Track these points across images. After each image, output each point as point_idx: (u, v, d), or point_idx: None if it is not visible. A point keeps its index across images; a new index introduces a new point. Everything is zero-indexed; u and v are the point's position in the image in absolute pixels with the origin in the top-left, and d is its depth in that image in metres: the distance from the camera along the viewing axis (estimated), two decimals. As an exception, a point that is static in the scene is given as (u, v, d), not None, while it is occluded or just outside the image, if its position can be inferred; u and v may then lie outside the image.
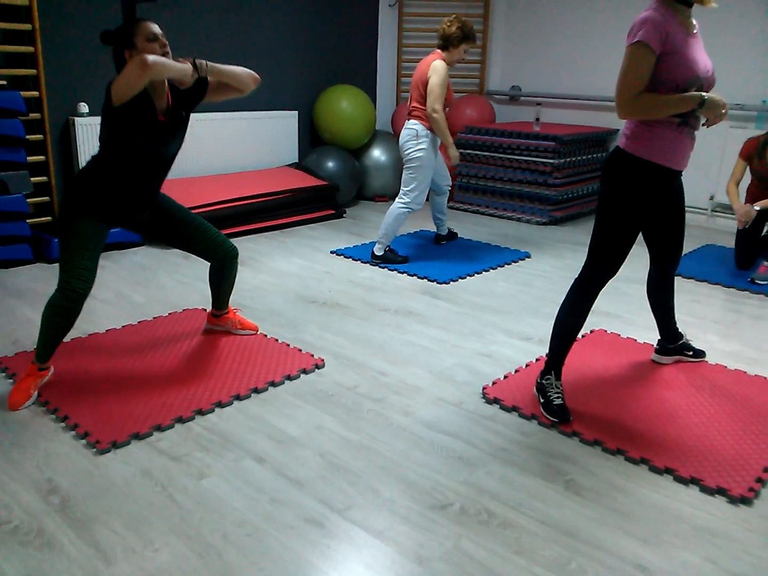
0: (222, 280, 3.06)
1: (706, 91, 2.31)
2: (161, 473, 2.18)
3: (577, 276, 2.57)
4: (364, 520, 1.98)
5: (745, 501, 2.10)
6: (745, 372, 2.96)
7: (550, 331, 2.62)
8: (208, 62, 2.58)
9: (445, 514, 2.02)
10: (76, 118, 4.54)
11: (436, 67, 4.10)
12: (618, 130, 6.03)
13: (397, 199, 4.34)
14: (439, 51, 4.21)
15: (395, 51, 6.60)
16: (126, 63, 2.46)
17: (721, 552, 1.89)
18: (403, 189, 4.31)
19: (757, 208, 4.13)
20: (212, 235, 2.93)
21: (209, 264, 3.04)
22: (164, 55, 2.48)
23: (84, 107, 4.59)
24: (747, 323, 3.56)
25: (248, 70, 2.71)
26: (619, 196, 2.41)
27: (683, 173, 2.55)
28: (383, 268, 4.31)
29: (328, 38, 6.10)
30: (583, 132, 5.69)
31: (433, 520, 1.98)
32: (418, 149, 4.21)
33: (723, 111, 2.31)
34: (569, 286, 2.59)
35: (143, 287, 3.84)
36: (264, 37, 5.63)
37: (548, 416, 2.49)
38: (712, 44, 5.40)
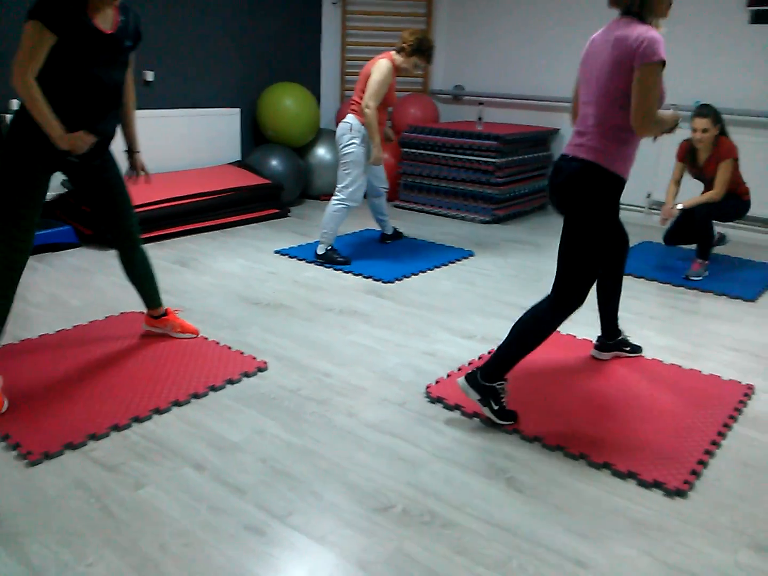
0: (134, 274, 2.95)
1: None
2: (96, 484, 2.11)
3: (552, 295, 2.48)
4: (305, 526, 1.95)
5: (680, 493, 2.16)
6: (680, 366, 3.05)
7: (506, 335, 2.50)
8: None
9: (388, 516, 2.01)
10: (7, 116, 4.36)
11: (379, 65, 4.10)
12: (559, 129, 6.15)
13: (333, 197, 4.31)
14: (392, 53, 4.21)
15: (339, 49, 6.57)
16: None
17: (656, 544, 1.94)
18: (338, 185, 4.29)
19: (680, 207, 4.26)
20: (126, 219, 2.84)
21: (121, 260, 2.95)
22: None
23: (16, 104, 4.41)
24: (682, 318, 3.67)
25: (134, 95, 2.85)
26: (596, 212, 2.39)
27: None
28: (328, 267, 4.29)
29: (271, 35, 6.03)
30: (525, 131, 5.77)
31: (376, 523, 1.98)
32: (351, 143, 4.18)
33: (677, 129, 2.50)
34: (536, 302, 2.52)
35: (79, 290, 3.72)
36: (204, 32, 5.52)
37: (502, 421, 2.48)
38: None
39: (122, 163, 2.88)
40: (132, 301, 3.56)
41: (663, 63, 2.23)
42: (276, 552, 1.85)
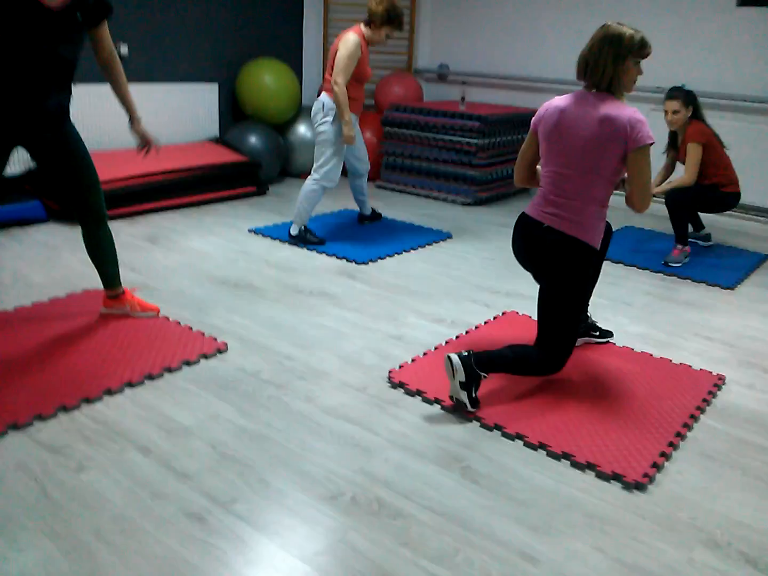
0: (95, 251, 2.88)
1: None
2: (38, 466, 2.04)
3: (539, 350, 2.53)
4: (249, 514, 1.89)
5: (639, 487, 2.10)
6: (651, 354, 2.99)
7: (507, 345, 2.51)
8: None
9: (336, 505, 1.95)
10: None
11: (347, 41, 3.95)
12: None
13: (309, 176, 4.21)
14: (360, 25, 4.07)
15: (321, 23, 6.42)
16: None
17: (609, 540, 1.88)
18: (314, 165, 4.18)
19: (655, 190, 4.20)
20: (91, 194, 2.76)
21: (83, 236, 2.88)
22: None
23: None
24: (657, 305, 3.60)
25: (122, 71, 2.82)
26: (576, 282, 2.47)
27: None
28: (302, 248, 4.20)
29: (250, 7, 5.87)
30: (509, 112, 5.66)
31: (322, 512, 1.91)
32: (324, 122, 4.07)
33: None
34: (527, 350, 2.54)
35: (44, 267, 3.63)
36: (181, 3, 5.36)
37: (473, 409, 2.42)
38: (640, 24, 5.45)
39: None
40: (97, 279, 3.47)
41: (652, 144, 2.33)
42: (214, 540, 1.79)
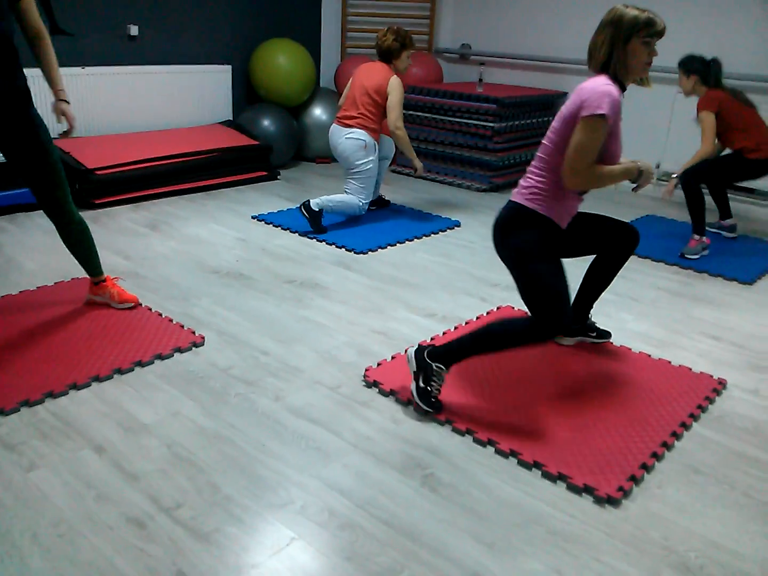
0: (69, 244, 2.82)
1: None
2: (-11, 463, 2.01)
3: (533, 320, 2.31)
4: (191, 521, 1.82)
5: (611, 501, 1.97)
6: (649, 355, 2.82)
7: (469, 328, 2.44)
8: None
9: (284, 513, 1.87)
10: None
11: (394, 85, 4.09)
12: (567, 93, 5.80)
13: (353, 194, 4.22)
14: (385, 64, 4.17)
15: (340, 4, 6.27)
16: None
17: (570, 560, 1.76)
18: (354, 194, 4.23)
19: (674, 176, 3.95)
20: (56, 188, 2.65)
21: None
22: None
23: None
24: (665, 301, 3.41)
25: (52, 48, 2.65)
26: (529, 244, 2.31)
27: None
28: (301, 235, 4.11)
29: (267, -12, 5.77)
30: (528, 94, 5.44)
31: (268, 521, 1.84)
32: (369, 161, 4.17)
33: (653, 177, 2.40)
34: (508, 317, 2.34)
35: (40, 253, 3.62)
36: (194, -15, 5.30)
37: (423, 405, 2.32)
38: (659, 8, 5.16)
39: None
40: (89, 266, 3.45)
41: (606, 118, 2.16)
42: (150, 548, 1.72)
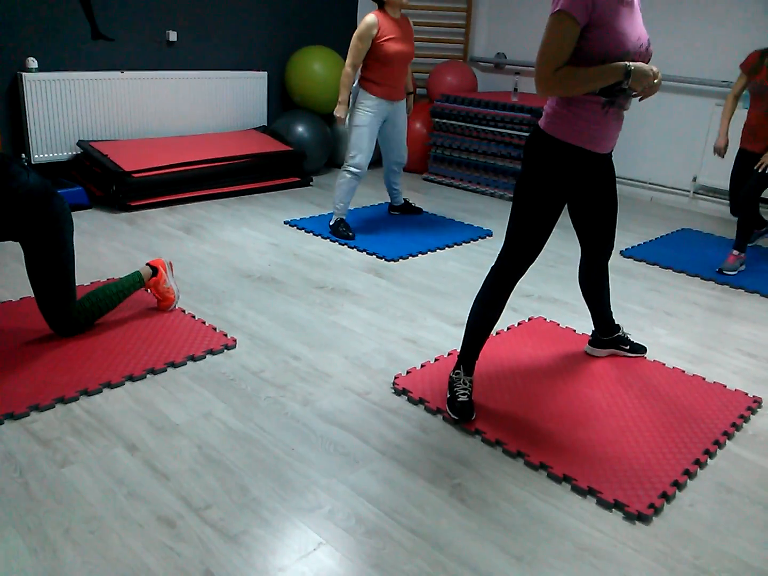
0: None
1: None
2: (24, 457, 2.05)
3: (493, 264, 2.39)
4: (220, 521, 1.84)
5: (642, 518, 1.94)
6: (684, 371, 2.78)
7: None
8: None
9: (311, 518, 1.87)
10: (24, 74, 4.35)
11: (361, 24, 3.95)
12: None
13: (342, 169, 4.19)
14: (376, 10, 4.06)
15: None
16: None
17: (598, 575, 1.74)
18: (347, 157, 4.16)
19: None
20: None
21: None
22: None
23: (33, 62, 4.39)
24: (700, 317, 3.36)
25: None
26: (535, 179, 2.22)
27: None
28: (333, 241, 4.13)
29: (305, -4, 5.83)
30: (564, 105, 5.41)
31: (295, 525, 1.84)
32: (358, 111, 4.08)
33: (655, 81, 2.09)
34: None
35: (77, 254, 3.68)
36: (233, -8, 5.38)
37: (450, 413, 2.32)
38: (700, 18, 5.10)
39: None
40: (125, 268, 3.51)
41: (567, 14, 1.99)
42: (179, 547, 1.74)
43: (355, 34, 3.95)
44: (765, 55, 3.91)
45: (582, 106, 2.15)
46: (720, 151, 4.16)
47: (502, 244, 2.36)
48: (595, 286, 2.66)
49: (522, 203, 2.26)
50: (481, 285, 2.42)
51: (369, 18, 3.95)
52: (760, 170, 3.80)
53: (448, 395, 2.37)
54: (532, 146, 2.23)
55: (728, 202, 4.48)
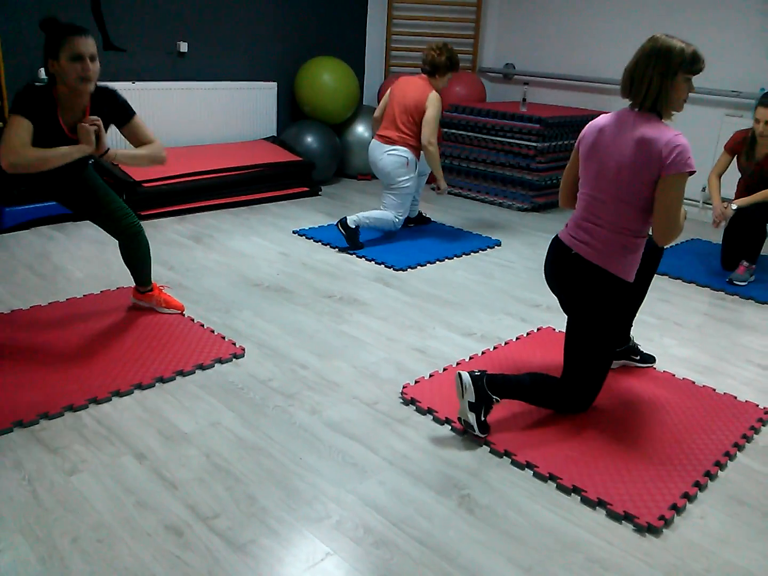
0: (129, 258, 2.98)
1: None
2: (33, 465, 2.05)
3: (566, 386, 2.37)
4: (228, 531, 1.84)
5: (652, 530, 1.92)
6: (693, 382, 2.76)
7: (524, 373, 2.35)
8: (119, 152, 2.66)
9: (319, 527, 1.87)
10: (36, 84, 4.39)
11: (432, 100, 4.12)
12: (613, 114, 5.76)
13: (390, 210, 4.25)
14: (426, 77, 4.23)
15: (385, 23, 6.34)
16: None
17: (608, 588, 1.72)
18: (392, 210, 4.25)
19: (734, 206, 3.87)
20: (113, 209, 2.87)
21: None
22: (83, 79, 2.48)
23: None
24: (711, 327, 3.34)
25: (157, 149, 2.79)
26: (602, 316, 2.31)
27: None
28: (342, 251, 4.14)
29: (313, 5, 5.86)
30: (572, 114, 5.42)
31: (303, 534, 1.84)
32: (409, 178, 4.22)
33: None
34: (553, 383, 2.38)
35: (87, 263, 3.72)
36: (241, 2, 5.40)
37: (481, 433, 2.27)
38: (711, 28, 5.10)
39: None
40: (134, 276, 3.53)
41: (692, 173, 2.14)
42: (187, 556, 1.74)
43: (435, 114, 4.10)
44: (753, 143, 3.90)
45: (642, 245, 2.31)
46: (722, 218, 3.93)
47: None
48: (636, 294, 2.67)
49: (594, 340, 2.33)
50: (554, 385, 2.39)
51: (436, 96, 4.15)
52: (735, 206, 3.87)
53: (483, 419, 2.27)
54: (595, 288, 2.29)
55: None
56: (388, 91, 4.34)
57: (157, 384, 2.53)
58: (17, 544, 1.76)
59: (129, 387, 2.47)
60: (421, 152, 4.30)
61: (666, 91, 2.17)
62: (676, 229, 2.20)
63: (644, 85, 2.18)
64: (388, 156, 4.17)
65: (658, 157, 2.12)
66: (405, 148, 4.16)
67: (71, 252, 3.86)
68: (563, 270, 2.36)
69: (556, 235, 2.43)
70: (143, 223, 4.42)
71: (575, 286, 2.33)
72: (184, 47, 5.09)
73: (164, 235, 4.24)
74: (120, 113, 2.71)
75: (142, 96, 4.89)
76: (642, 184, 2.17)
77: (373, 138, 4.35)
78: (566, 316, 2.44)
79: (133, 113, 2.74)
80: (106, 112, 2.66)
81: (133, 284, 3.11)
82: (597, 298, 2.29)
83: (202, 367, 2.66)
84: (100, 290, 3.34)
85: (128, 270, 3.02)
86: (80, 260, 3.74)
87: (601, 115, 2.37)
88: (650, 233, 2.29)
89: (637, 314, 2.79)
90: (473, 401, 2.25)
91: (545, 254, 2.49)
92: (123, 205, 2.91)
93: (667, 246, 2.26)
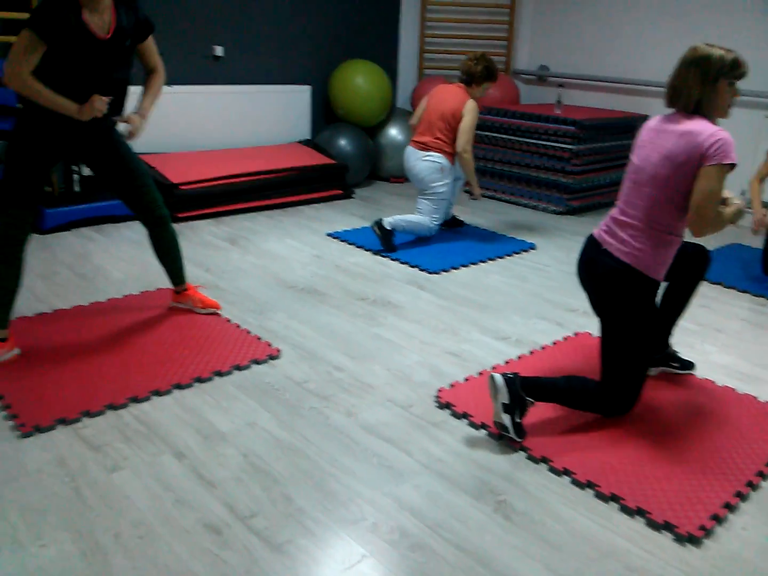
0: (158, 250, 2.99)
1: None
2: (76, 462, 2.10)
3: (605, 389, 2.35)
4: (265, 530, 1.85)
5: (692, 541, 1.89)
6: (734, 389, 2.71)
7: (561, 375, 2.33)
8: (142, 109, 2.72)
9: (355, 529, 1.87)
10: None
11: (469, 109, 4.14)
12: (647, 116, 5.68)
13: (425, 215, 4.25)
14: (463, 86, 4.24)
15: (418, 25, 6.34)
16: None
17: (648, 597, 1.70)
18: (427, 215, 4.25)
19: None
20: (145, 194, 2.85)
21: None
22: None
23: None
24: (751, 334, 3.27)
25: (162, 81, 2.82)
26: (633, 315, 2.28)
27: None
28: (375, 254, 4.15)
29: (347, 9, 5.89)
30: (608, 117, 5.36)
31: (339, 536, 1.85)
32: (444, 183, 4.22)
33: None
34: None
35: (126, 263, 3.78)
36: (277, 7, 5.46)
37: (516, 437, 2.26)
38: (751, 26, 5.01)
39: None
40: (171, 277, 3.58)
41: (733, 167, 2.13)
42: (225, 555, 1.76)
43: (472, 123, 4.11)
44: None
45: (677, 242, 2.30)
46: (762, 225, 3.77)
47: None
48: (675, 306, 2.65)
49: (626, 340, 2.30)
50: (590, 383, 2.36)
51: (474, 105, 4.14)
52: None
53: (517, 420, 2.26)
54: (625, 286, 2.26)
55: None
56: (425, 98, 4.35)
57: (195, 384, 2.57)
58: (61, 539, 1.80)
59: (168, 386, 2.51)
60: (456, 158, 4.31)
61: (708, 98, 2.18)
62: (707, 221, 2.16)
63: (685, 93, 2.20)
64: (423, 162, 4.17)
65: (700, 148, 2.12)
66: (439, 154, 4.17)
67: (111, 253, 3.93)
68: (592, 266, 2.35)
69: (591, 233, 2.42)
70: (179, 226, 4.48)
71: (601, 285, 2.31)
72: (219, 51, 5.16)
73: (200, 237, 4.29)
74: (142, 25, 2.64)
75: (178, 100, 4.96)
76: (682, 176, 2.17)
77: (408, 144, 4.36)
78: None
79: (153, 30, 2.70)
80: (128, 20, 2.57)
81: (170, 285, 3.16)
82: (624, 296, 2.27)
83: (239, 368, 2.69)
84: (139, 291, 3.39)
85: (162, 267, 3.06)
86: (120, 261, 3.81)
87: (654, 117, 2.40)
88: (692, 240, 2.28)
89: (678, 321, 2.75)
90: (507, 402, 2.24)
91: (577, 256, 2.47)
92: (150, 182, 2.87)
93: (704, 242, 2.23)
